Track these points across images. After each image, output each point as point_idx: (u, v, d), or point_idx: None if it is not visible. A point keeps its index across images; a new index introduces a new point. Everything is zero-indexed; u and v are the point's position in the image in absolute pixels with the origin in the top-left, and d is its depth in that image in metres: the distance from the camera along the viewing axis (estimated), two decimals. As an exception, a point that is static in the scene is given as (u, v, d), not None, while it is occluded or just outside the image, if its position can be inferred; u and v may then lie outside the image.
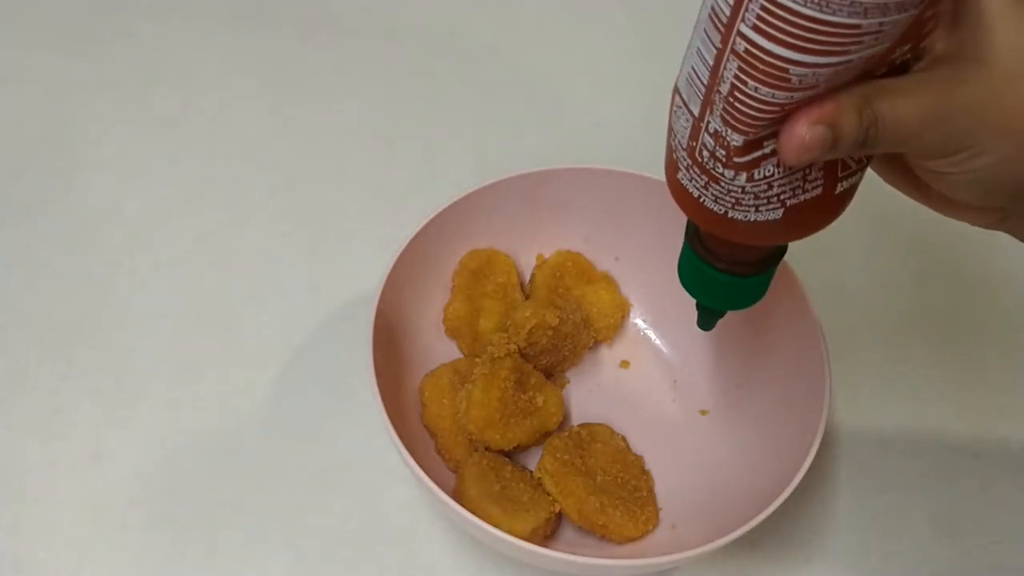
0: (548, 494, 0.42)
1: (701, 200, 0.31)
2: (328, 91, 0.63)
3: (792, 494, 0.37)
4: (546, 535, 0.42)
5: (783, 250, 0.35)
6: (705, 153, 0.29)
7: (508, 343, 0.44)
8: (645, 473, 0.45)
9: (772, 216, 0.30)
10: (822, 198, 0.30)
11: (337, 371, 0.49)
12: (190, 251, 0.54)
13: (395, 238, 0.44)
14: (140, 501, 0.45)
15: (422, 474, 0.37)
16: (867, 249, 0.56)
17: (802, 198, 0.29)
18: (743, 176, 0.29)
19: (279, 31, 0.66)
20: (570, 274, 0.49)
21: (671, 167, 0.32)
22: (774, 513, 0.37)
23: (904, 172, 0.32)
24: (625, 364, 0.50)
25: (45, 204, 0.56)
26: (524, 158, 0.50)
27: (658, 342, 0.50)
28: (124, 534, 0.44)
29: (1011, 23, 0.27)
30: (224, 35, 0.65)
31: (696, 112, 0.29)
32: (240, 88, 0.62)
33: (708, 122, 0.28)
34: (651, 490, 0.44)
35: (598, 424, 0.46)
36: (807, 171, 0.29)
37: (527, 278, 0.50)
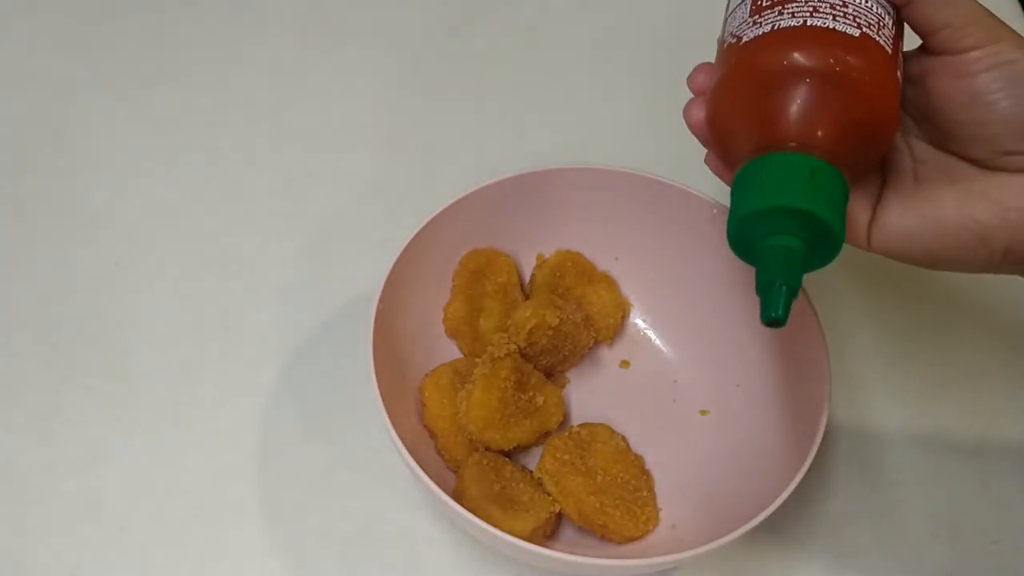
0: (548, 494, 0.42)
1: (775, 27, 0.32)
2: (328, 91, 0.63)
3: (792, 494, 0.37)
4: (546, 535, 0.42)
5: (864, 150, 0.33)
6: None
7: (508, 343, 0.44)
8: (645, 473, 0.45)
9: (849, 30, 0.31)
10: (885, 62, 0.31)
11: (337, 371, 0.49)
12: (190, 251, 0.54)
13: (395, 238, 0.44)
14: (140, 501, 0.45)
15: (422, 474, 0.37)
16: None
17: (874, 35, 0.31)
18: None
19: (279, 31, 0.66)
20: (570, 274, 0.49)
21: (733, 62, 0.33)
22: (774, 513, 0.37)
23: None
24: (625, 364, 0.50)
25: (45, 204, 0.56)
26: (524, 158, 0.50)
27: (658, 342, 0.50)
28: (124, 534, 0.44)
29: None
30: (224, 35, 0.65)
31: None
32: (240, 88, 0.62)
33: None
34: (651, 490, 0.44)
35: (598, 424, 0.46)
36: (880, 20, 0.32)
37: (527, 278, 0.50)
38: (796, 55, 0.31)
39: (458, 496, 0.41)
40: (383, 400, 0.39)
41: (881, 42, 0.32)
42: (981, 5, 0.32)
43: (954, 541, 0.45)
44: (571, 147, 0.60)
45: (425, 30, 0.66)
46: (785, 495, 0.37)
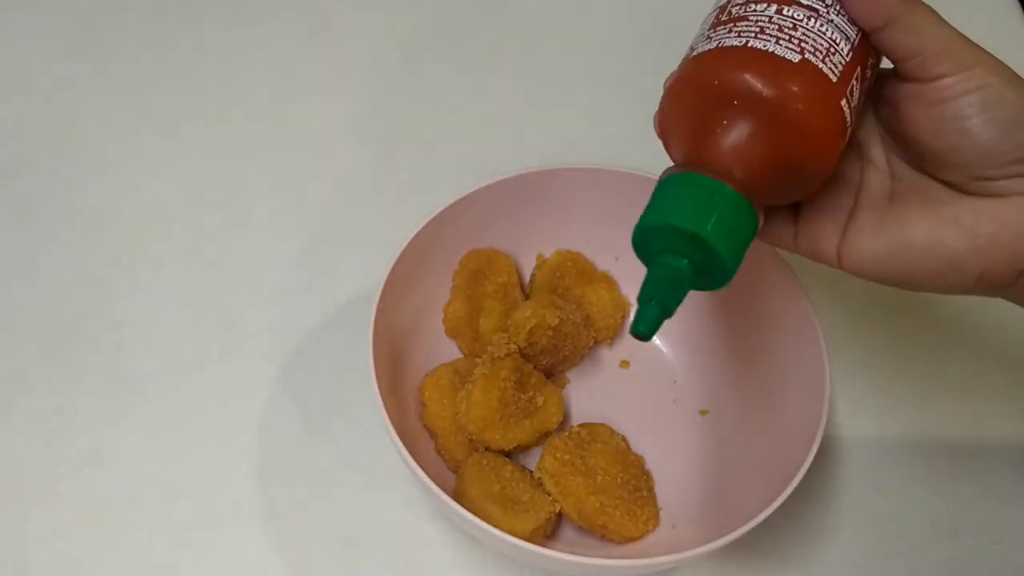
0: (548, 494, 0.42)
1: (719, 45, 0.32)
2: (328, 91, 0.63)
3: (792, 494, 0.37)
4: (546, 535, 0.42)
5: (753, 226, 0.32)
6: (737, 4, 0.32)
7: (508, 343, 0.44)
8: (645, 473, 0.45)
9: (790, 56, 0.31)
10: (824, 91, 0.31)
11: (337, 371, 0.49)
12: (190, 251, 0.54)
13: (395, 238, 0.44)
14: (140, 501, 0.45)
15: (422, 474, 0.37)
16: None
17: (817, 62, 0.31)
18: (773, 8, 0.31)
19: (279, 31, 0.66)
20: (570, 274, 0.49)
21: (679, 73, 0.34)
22: (774, 513, 0.37)
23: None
24: (625, 364, 0.50)
25: (45, 204, 0.56)
26: (524, 158, 0.50)
27: (658, 342, 0.50)
28: (124, 534, 0.44)
29: None
30: (224, 35, 0.65)
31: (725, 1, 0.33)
32: (240, 88, 0.62)
33: None
34: (651, 490, 0.44)
35: (598, 424, 0.46)
36: (832, 46, 0.31)
37: (527, 278, 0.50)
38: (726, 75, 0.31)
39: (458, 496, 0.41)
40: (383, 400, 0.39)
41: (825, 70, 0.31)
42: (954, 30, 0.31)
43: (954, 541, 0.45)
44: (571, 147, 0.60)
45: (425, 30, 0.66)
46: (785, 495, 0.37)
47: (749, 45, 0.31)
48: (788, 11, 0.31)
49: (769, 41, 0.31)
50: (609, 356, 0.50)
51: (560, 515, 0.42)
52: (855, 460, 0.48)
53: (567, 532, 0.43)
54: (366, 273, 0.52)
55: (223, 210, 0.56)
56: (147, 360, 0.50)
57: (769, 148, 0.31)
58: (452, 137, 0.60)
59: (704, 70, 0.32)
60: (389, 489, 0.46)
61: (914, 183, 0.34)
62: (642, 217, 0.32)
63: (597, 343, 0.49)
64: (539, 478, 0.43)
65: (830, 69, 0.31)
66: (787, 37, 0.31)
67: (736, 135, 0.32)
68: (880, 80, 0.34)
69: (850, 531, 0.45)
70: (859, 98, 0.32)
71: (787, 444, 0.41)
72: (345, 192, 0.57)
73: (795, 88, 0.30)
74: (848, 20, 0.32)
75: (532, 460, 0.45)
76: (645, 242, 0.32)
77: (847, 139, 0.32)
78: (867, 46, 0.32)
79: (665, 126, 0.34)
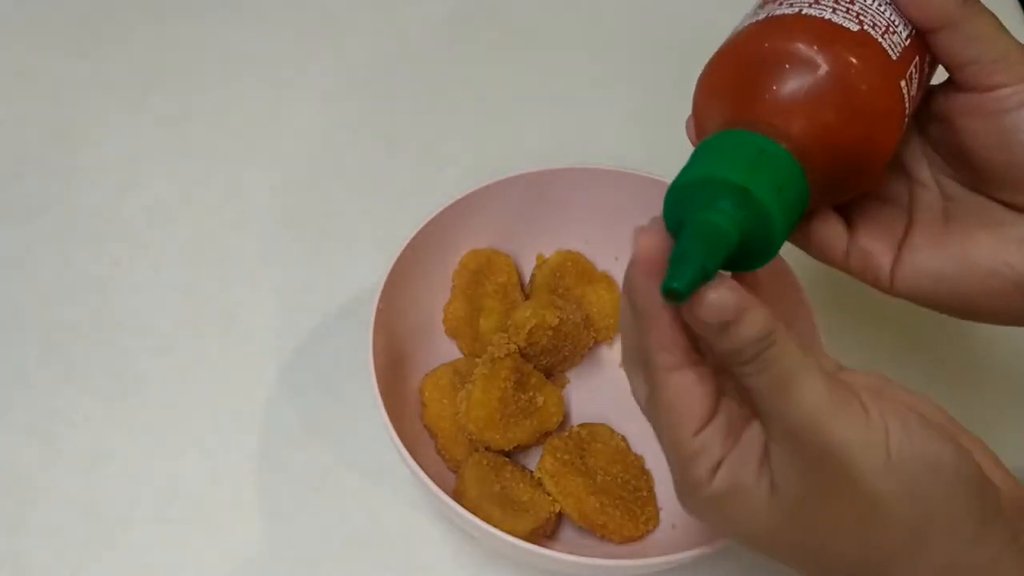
0: (548, 494, 0.42)
1: (769, 16, 0.30)
2: (328, 90, 0.63)
3: (792, 494, 0.37)
4: (546, 535, 0.42)
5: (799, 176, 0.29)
6: None
7: (508, 343, 0.44)
8: (645, 473, 0.45)
9: (847, 23, 0.29)
10: (884, 66, 0.29)
11: (337, 371, 0.49)
12: (190, 251, 0.54)
13: (395, 238, 0.44)
14: (140, 501, 0.45)
15: (422, 474, 0.37)
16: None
17: (876, 36, 0.29)
18: None
19: (279, 31, 0.66)
20: (570, 274, 0.49)
21: (726, 44, 0.32)
22: (774, 513, 0.37)
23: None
24: (625, 364, 0.50)
25: (45, 204, 0.56)
26: (524, 158, 0.50)
27: (658, 342, 0.50)
28: (124, 534, 0.44)
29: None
30: (224, 35, 0.65)
31: None
32: (240, 88, 0.62)
33: None
34: (651, 490, 0.44)
35: (598, 424, 0.46)
36: (891, 26, 0.30)
37: (527, 278, 0.50)
38: (780, 41, 0.30)
39: (458, 496, 0.41)
40: (383, 400, 0.39)
41: (884, 45, 0.29)
42: (1013, 39, 0.30)
43: (954, 541, 0.45)
44: (571, 147, 0.60)
45: (425, 30, 0.66)
46: (785, 495, 0.37)
47: (803, 12, 0.30)
48: None
49: (825, 9, 0.30)
50: (609, 356, 0.50)
51: (560, 515, 0.42)
52: (855, 460, 0.48)
53: (567, 532, 0.43)
54: (366, 273, 0.52)
55: (223, 210, 0.56)
56: (147, 360, 0.50)
57: (823, 120, 0.29)
58: (452, 137, 0.60)
59: (756, 38, 0.30)
60: (389, 489, 0.46)
61: (970, 203, 0.32)
62: (679, 175, 0.28)
63: (597, 343, 0.49)
64: (539, 478, 0.43)
65: (890, 46, 0.29)
66: (844, 8, 0.30)
67: (788, 98, 0.29)
68: (928, 96, 0.33)
69: (850, 531, 0.45)
70: (916, 91, 0.31)
71: (787, 444, 0.41)
72: (345, 192, 0.57)
73: (853, 57, 0.29)
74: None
75: (532, 460, 0.45)
76: (681, 202, 0.28)
77: (903, 132, 0.31)
78: (922, 44, 0.31)
79: (705, 98, 0.32)
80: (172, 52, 0.64)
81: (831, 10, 0.30)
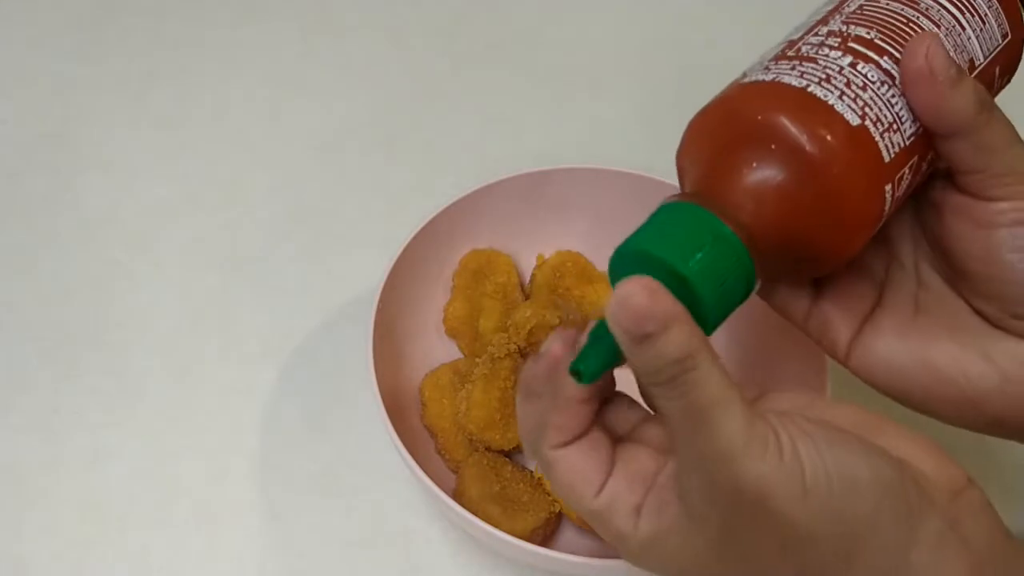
0: (548, 494, 0.42)
1: (775, 79, 0.29)
2: (328, 91, 0.63)
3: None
4: (546, 535, 0.42)
5: (749, 289, 0.29)
6: (809, 45, 0.30)
7: (508, 343, 0.44)
8: (645, 473, 0.45)
9: (849, 116, 0.27)
10: (871, 169, 0.28)
11: (337, 371, 0.49)
12: (190, 251, 0.54)
13: (395, 238, 0.44)
14: (140, 501, 0.45)
15: (422, 474, 0.37)
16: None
17: (876, 136, 0.28)
18: (848, 59, 0.29)
19: (279, 31, 0.66)
20: (570, 274, 0.49)
21: (722, 94, 0.30)
22: (774, 513, 0.37)
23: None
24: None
25: (45, 204, 0.56)
26: (524, 158, 0.50)
27: (658, 342, 0.50)
28: (124, 534, 0.44)
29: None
30: (224, 35, 0.65)
31: (798, 34, 0.31)
32: (240, 88, 0.62)
33: (818, 30, 0.30)
34: (651, 490, 0.44)
35: (598, 424, 0.46)
36: (896, 123, 0.28)
37: (527, 278, 0.50)
38: (772, 112, 0.28)
39: (458, 496, 0.41)
40: (383, 400, 0.39)
41: (881, 146, 0.28)
42: (1022, 150, 0.29)
43: (954, 541, 0.45)
44: (571, 147, 0.60)
45: (425, 30, 0.66)
46: (785, 495, 0.37)
47: (809, 90, 0.28)
48: (863, 68, 0.28)
49: (832, 93, 0.28)
50: (609, 356, 0.50)
51: (560, 515, 0.42)
52: (855, 460, 0.48)
53: (567, 532, 0.43)
54: (366, 273, 0.52)
55: (223, 210, 0.56)
56: (147, 360, 0.50)
57: (791, 209, 0.28)
58: (452, 137, 0.60)
59: (751, 100, 0.29)
60: (389, 489, 0.46)
61: (944, 299, 0.31)
62: (631, 237, 0.27)
63: (597, 343, 0.49)
64: (539, 478, 0.43)
65: (886, 147, 0.28)
66: (852, 95, 0.28)
67: (759, 180, 0.28)
68: (929, 178, 0.31)
69: (850, 531, 0.45)
70: (904, 191, 0.29)
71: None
72: (345, 192, 0.57)
73: (842, 153, 0.27)
74: None
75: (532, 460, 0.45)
76: (620, 269, 0.27)
77: (876, 231, 0.29)
78: (927, 142, 0.29)
79: (687, 148, 0.30)
80: (172, 52, 0.64)
81: (838, 94, 0.28)
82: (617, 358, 0.26)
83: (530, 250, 0.50)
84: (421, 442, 0.44)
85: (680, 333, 0.24)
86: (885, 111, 0.28)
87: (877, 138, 0.28)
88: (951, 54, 0.28)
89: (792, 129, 0.27)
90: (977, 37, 0.31)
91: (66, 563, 0.43)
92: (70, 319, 0.51)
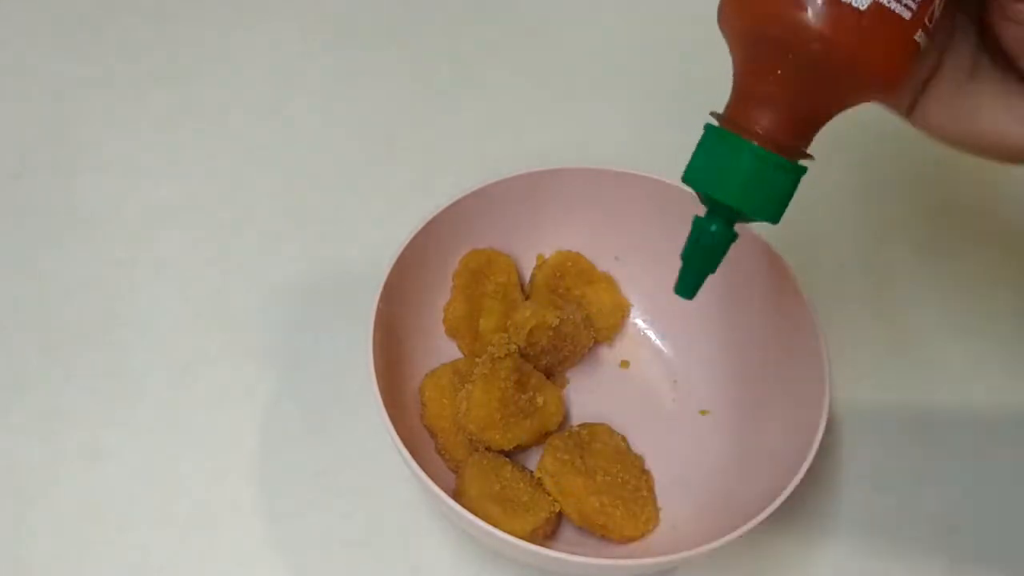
0: (548, 494, 0.42)
1: None
2: (328, 91, 0.63)
3: (792, 494, 0.37)
4: (546, 535, 0.42)
5: (804, 150, 0.31)
6: None
7: (508, 343, 0.44)
8: (645, 473, 0.45)
9: (857, 2, 0.27)
10: (902, 28, 0.28)
11: (337, 371, 0.49)
12: (190, 251, 0.54)
13: (395, 238, 0.44)
14: (140, 501, 0.45)
15: (422, 474, 0.37)
16: (866, 247, 0.56)
17: (891, 5, 0.28)
18: None
19: (279, 31, 0.66)
20: (570, 274, 0.49)
21: None
22: (774, 513, 0.37)
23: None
24: (625, 364, 0.50)
25: (45, 204, 0.56)
26: (524, 158, 0.50)
27: (658, 342, 0.50)
28: (124, 534, 0.44)
29: None
30: (224, 35, 0.65)
31: None
32: (240, 88, 0.62)
33: None
34: (651, 490, 0.44)
35: (598, 424, 0.46)
36: None
37: (527, 278, 0.50)
38: (778, 21, 0.28)
39: (458, 496, 0.41)
40: (383, 400, 0.39)
41: (898, 9, 0.28)
42: None
43: (954, 541, 0.45)
44: (571, 147, 0.60)
45: (425, 30, 0.66)
46: (785, 495, 0.37)
47: None
48: None
49: None
50: (609, 356, 0.50)
51: (560, 515, 0.42)
52: (855, 459, 0.48)
53: (567, 532, 0.43)
54: (366, 274, 0.52)
55: (223, 210, 0.56)
56: (147, 360, 0.50)
57: (821, 101, 0.29)
58: (452, 137, 0.60)
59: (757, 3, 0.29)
60: (389, 489, 0.46)
61: (995, 67, 0.31)
62: (688, 166, 0.31)
63: (597, 343, 0.49)
64: (539, 478, 0.43)
65: (906, 5, 0.28)
66: None
67: (786, 96, 0.29)
68: None
69: (850, 531, 0.45)
70: (942, 11, 0.30)
71: (787, 444, 0.41)
72: (345, 192, 0.57)
73: (859, 44, 0.28)
74: None
75: (532, 460, 0.45)
76: (695, 188, 0.32)
77: (919, 55, 0.30)
78: None
79: (724, 25, 0.31)
80: (172, 52, 0.64)
81: None
82: (708, 270, 0.32)
83: (530, 250, 0.50)
84: (421, 442, 0.44)
85: None
86: None
87: (893, 5, 0.28)
88: None
89: (803, 35, 0.28)
90: None
91: (66, 563, 0.43)
92: (70, 319, 0.51)
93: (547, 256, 0.50)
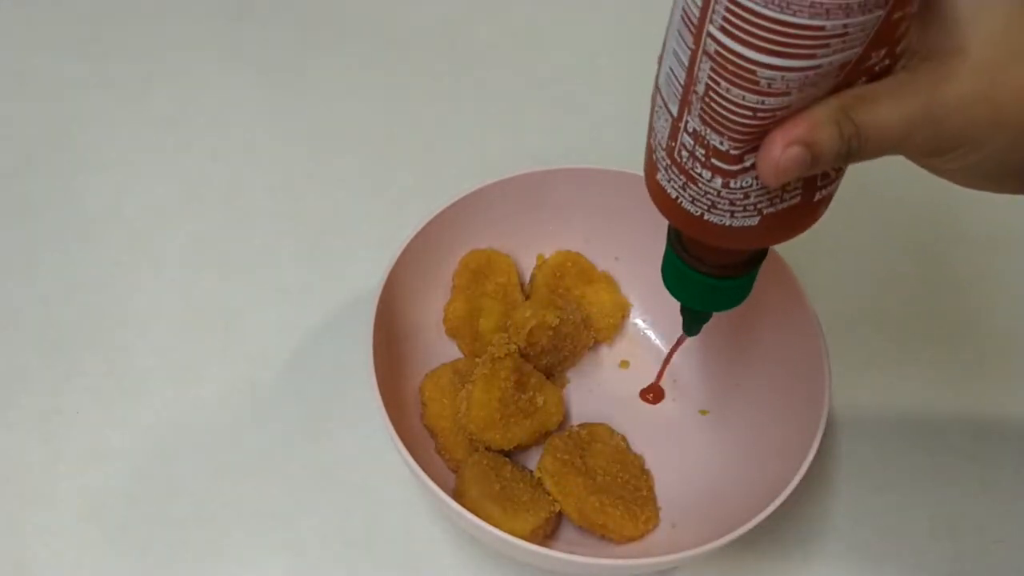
0: (548, 494, 0.42)
1: (679, 201, 0.31)
2: (328, 91, 0.63)
3: (791, 494, 0.37)
4: (546, 535, 0.42)
5: (764, 254, 0.35)
6: (684, 153, 0.29)
7: (508, 343, 0.44)
8: (645, 473, 0.45)
9: (748, 223, 0.30)
10: (800, 207, 0.30)
11: (337, 371, 0.49)
12: (190, 251, 0.54)
13: (395, 238, 0.44)
14: (140, 501, 0.45)
15: (422, 474, 0.37)
16: (866, 250, 0.56)
17: (779, 207, 0.29)
18: (719, 180, 0.29)
19: (279, 31, 0.66)
20: (570, 274, 0.49)
21: (650, 168, 0.32)
22: (774, 513, 0.37)
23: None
24: (625, 364, 0.50)
25: (45, 204, 0.56)
26: (524, 158, 0.50)
27: (658, 342, 0.50)
28: (124, 534, 0.44)
29: (984, 12, 0.26)
30: (224, 35, 0.65)
31: (675, 112, 0.28)
32: (240, 88, 0.62)
33: (687, 121, 0.28)
34: (651, 490, 0.44)
35: (598, 424, 0.46)
36: (785, 184, 0.28)
37: (527, 278, 0.50)
38: (698, 239, 0.32)
39: (458, 496, 0.41)
40: (383, 400, 0.39)
41: (787, 205, 0.29)
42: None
43: (954, 541, 0.45)
44: (571, 147, 0.60)
45: (425, 30, 0.66)
46: (785, 495, 0.37)
47: (705, 218, 0.30)
48: (735, 184, 0.28)
49: (724, 216, 0.30)
50: (609, 356, 0.50)
51: (560, 515, 0.42)
52: (855, 459, 0.48)
53: (567, 532, 0.43)
54: (366, 273, 0.52)
55: (223, 210, 0.56)
56: (147, 360, 0.50)
57: (746, 257, 0.34)
58: (452, 137, 0.60)
59: (669, 214, 0.32)
60: (389, 489, 0.46)
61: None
62: (663, 275, 0.37)
63: (597, 343, 0.49)
64: (539, 478, 0.43)
65: (793, 197, 0.29)
66: (740, 208, 0.29)
67: (715, 255, 0.34)
68: None
69: (850, 531, 0.46)
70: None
71: (787, 444, 0.41)
72: (345, 192, 0.57)
73: (767, 240, 0.31)
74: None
75: (532, 460, 0.45)
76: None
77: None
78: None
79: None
80: (172, 52, 0.64)
81: (729, 214, 0.30)
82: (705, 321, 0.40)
83: (530, 250, 0.50)
84: (421, 442, 0.44)
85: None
86: (776, 193, 0.29)
87: (786, 210, 0.30)
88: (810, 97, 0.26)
89: (724, 250, 0.33)
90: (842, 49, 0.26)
91: (66, 563, 0.43)
92: (70, 319, 0.51)
93: (547, 256, 0.50)
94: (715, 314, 0.48)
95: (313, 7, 0.67)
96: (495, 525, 0.36)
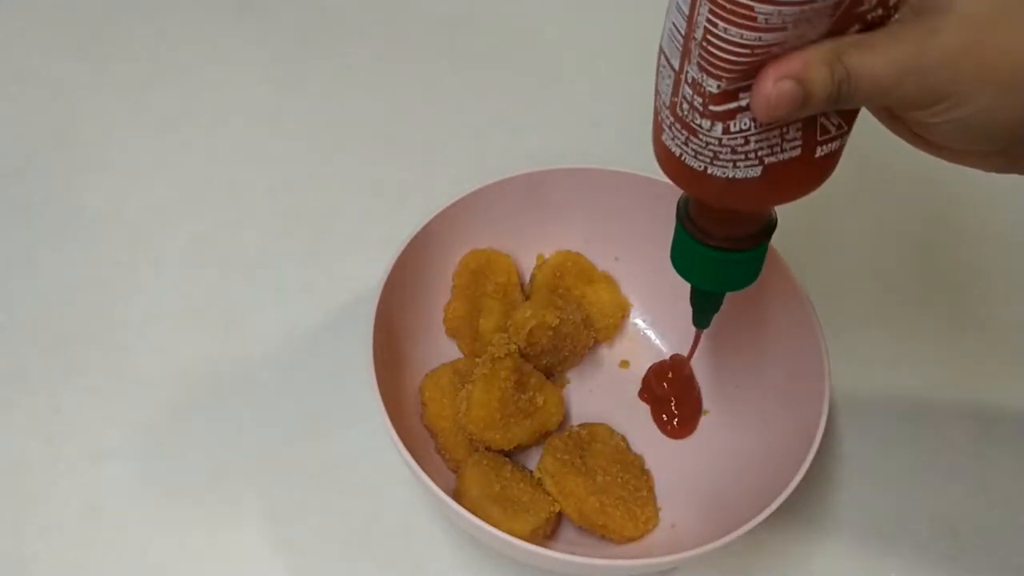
0: (548, 494, 0.42)
1: (682, 158, 0.31)
2: (328, 91, 0.63)
3: (791, 494, 0.37)
4: (546, 535, 0.42)
5: (772, 226, 0.35)
6: (685, 105, 0.30)
7: (508, 343, 0.44)
8: (645, 473, 0.45)
9: (751, 173, 0.30)
10: (801, 160, 0.30)
11: (337, 371, 0.49)
12: (190, 251, 0.54)
13: (395, 238, 0.44)
14: (140, 501, 0.45)
15: (422, 474, 0.37)
16: (866, 247, 0.56)
17: (781, 157, 0.30)
18: (719, 127, 0.29)
19: (279, 31, 0.66)
20: (570, 274, 0.49)
21: (656, 130, 0.32)
22: (774, 513, 0.37)
23: (903, 122, 0.31)
24: (625, 364, 0.50)
25: (45, 204, 0.56)
26: (524, 158, 0.50)
27: (658, 342, 0.50)
28: (124, 534, 0.44)
29: None
30: (224, 35, 0.65)
31: (676, 65, 0.29)
32: (240, 88, 0.62)
33: (687, 72, 0.29)
34: (651, 490, 0.44)
35: (598, 424, 0.46)
36: (784, 130, 0.29)
37: (527, 278, 0.50)
38: (701, 199, 0.33)
39: (458, 496, 0.41)
40: (383, 400, 0.39)
41: (788, 156, 0.30)
42: None
43: (954, 541, 0.45)
44: (571, 147, 0.60)
45: (425, 30, 0.66)
46: (785, 495, 0.37)
47: (708, 172, 0.30)
48: (736, 125, 0.29)
49: (727, 167, 0.30)
50: (609, 356, 0.50)
51: (560, 515, 0.42)
52: (855, 459, 0.48)
53: (567, 532, 0.43)
54: (366, 273, 0.52)
55: (223, 210, 0.56)
56: (147, 360, 0.50)
57: (754, 219, 0.34)
58: (452, 137, 0.60)
59: (674, 174, 0.32)
60: (389, 489, 0.46)
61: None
62: (671, 251, 0.37)
63: (597, 343, 0.49)
64: (539, 478, 0.43)
65: (794, 147, 0.29)
66: (742, 156, 0.29)
67: (722, 224, 0.34)
68: None
69: (850, 531, 0.45)
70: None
71: (787, 443, 0.41)
72: (345, 192, 0.57)
73: (771, 197, 0.31)
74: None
75: (532, 460, 0.45)
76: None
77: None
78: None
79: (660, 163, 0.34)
80: (172, 52, 0.64)
81: (731, 164, 0.30)
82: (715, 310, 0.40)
83: (530, 250, 0.50)
84: (421, 442, 0.44)
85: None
86: (776, 140, 0.29)
87: (787, 162, 0.30)
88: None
89: (726, 208, 0.33)
90: None
91: (66, 563, 0.43)
92: (70, 319, 0.51)
93: (547, 256, 0.50)
94: (718, 313, 0.48)
95: (313, 7, 0.67)
96: (495, 525, 0.36)
